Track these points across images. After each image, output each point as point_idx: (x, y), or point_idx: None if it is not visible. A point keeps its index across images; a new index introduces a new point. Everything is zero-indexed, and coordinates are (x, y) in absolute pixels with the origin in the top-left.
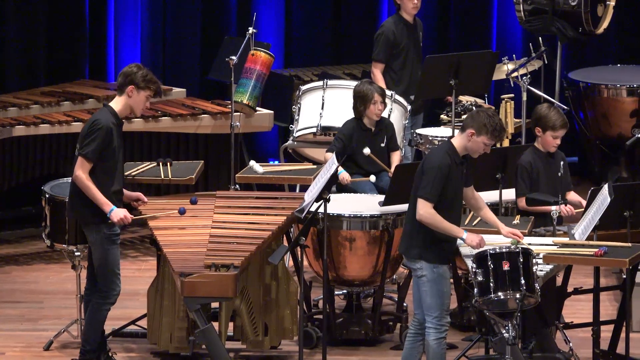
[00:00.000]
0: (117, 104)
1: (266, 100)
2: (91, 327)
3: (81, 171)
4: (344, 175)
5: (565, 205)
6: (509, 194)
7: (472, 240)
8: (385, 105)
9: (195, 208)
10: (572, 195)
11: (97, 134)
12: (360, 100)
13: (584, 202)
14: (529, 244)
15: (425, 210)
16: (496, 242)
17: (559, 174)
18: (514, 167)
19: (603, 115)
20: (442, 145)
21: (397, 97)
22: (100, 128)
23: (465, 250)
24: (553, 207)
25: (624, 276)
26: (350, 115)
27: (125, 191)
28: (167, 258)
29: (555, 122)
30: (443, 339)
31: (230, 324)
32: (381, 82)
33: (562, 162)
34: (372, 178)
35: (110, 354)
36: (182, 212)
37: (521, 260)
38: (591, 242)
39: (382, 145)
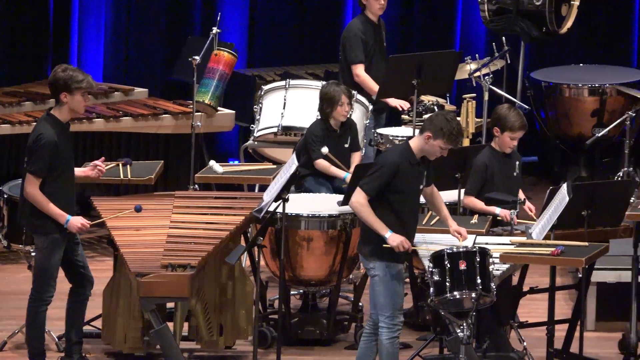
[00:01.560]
0: (58, 111)
1: (228, 100)
2: (33, 332)
3: (31, 187)
4: None
5: (524, 205)
6: None
7: (394, 240)
8: (351, 106)
9: (153, 208)
10: (520, 194)
11: (42, 150)
12: (327, 102)
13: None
14: (486, 243)
15: (357, 199)
16: (445, 241)
17: (515, 174)
18: None
19: (564, 114)
20: (399, 145)
21: (359, 96)
22: (44, 144)
23: (421, 249)
24: (497, 210)
25: (580, 275)
26: (312, 115)
27: (78, 171)
28: (123, 258)
29: (514, 124)
30: (396, 338)
31: (185, 324)
32: (370, 82)
33: (517, 163)
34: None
35: (84, 355)
36: (138, 209)
37: (478, 259)
38: (548, 242)
39: (346, 145)
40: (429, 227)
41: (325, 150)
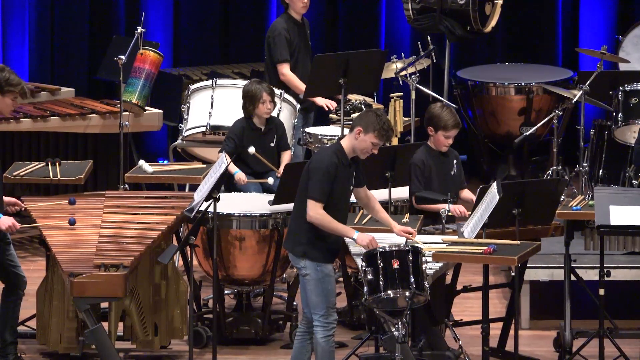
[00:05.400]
0: None
1: (155, 99)
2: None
3: None
4: (240, 176)
5: (456, 204)
6: (399, 192)
7: (362, 239)
8: (274, 104)
9: (84, 208)
10: (466, 193)
11: None
12: (249, 100)
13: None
14: (416, 242)
15: (315, 211)
16: (387, 240)
17: (452, 173)
18: (403, 166)
19: (491, 113)
20: (331, 146)
21: (287, 95)
22: None
23: (354, 248)
24: (446, 206)
25: (513, 274)
26: (240, 114)
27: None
28: (56, 258)
29: (447, 122)
30: (331, 336)
31: (120, 324)
32: (296, 81)
33: (455, 161)
34: (270, 180)
35: (19, 355)
36: (72, 222)
37: (411, 258)
38: (480, 240)
39: (272, 144)
40: (360, 227)
41: (252, 150)
